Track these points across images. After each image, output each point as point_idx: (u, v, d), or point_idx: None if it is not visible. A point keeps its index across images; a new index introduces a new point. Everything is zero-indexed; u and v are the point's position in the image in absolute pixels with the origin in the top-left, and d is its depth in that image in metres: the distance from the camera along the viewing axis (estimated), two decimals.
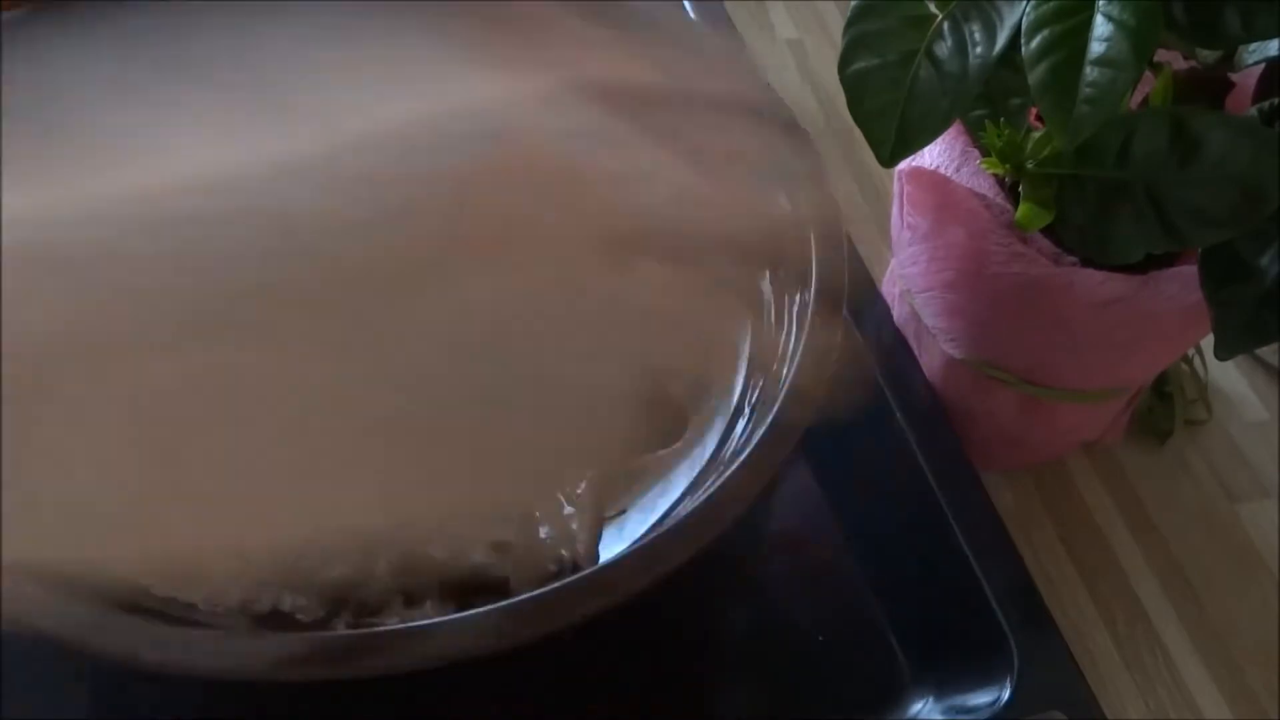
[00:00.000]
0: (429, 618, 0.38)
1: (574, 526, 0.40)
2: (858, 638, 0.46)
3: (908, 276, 0.52)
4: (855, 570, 0.48)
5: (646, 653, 0.45)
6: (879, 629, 0.46)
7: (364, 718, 0.44)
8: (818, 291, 0.39)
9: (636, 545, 0.36)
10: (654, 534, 0.36)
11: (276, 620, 0.39)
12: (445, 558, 0.38)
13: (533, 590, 0.37)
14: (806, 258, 0.40)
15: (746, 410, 0.39)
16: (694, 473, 0.39)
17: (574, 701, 0.43)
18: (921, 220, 0.49)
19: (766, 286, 0.43)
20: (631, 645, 0.45)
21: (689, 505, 0.37)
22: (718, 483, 0.36)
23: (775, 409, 0.36)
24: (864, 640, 0.46)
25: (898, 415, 0.50)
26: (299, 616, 0.38)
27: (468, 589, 0.39)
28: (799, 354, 0.38)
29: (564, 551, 0.39)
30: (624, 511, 0.39)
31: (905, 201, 0.49)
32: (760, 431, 0.36)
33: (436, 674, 0.34)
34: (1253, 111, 0.42)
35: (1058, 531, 0.56)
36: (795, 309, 0.40)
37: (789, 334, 0.40)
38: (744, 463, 0.36)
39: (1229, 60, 0.43)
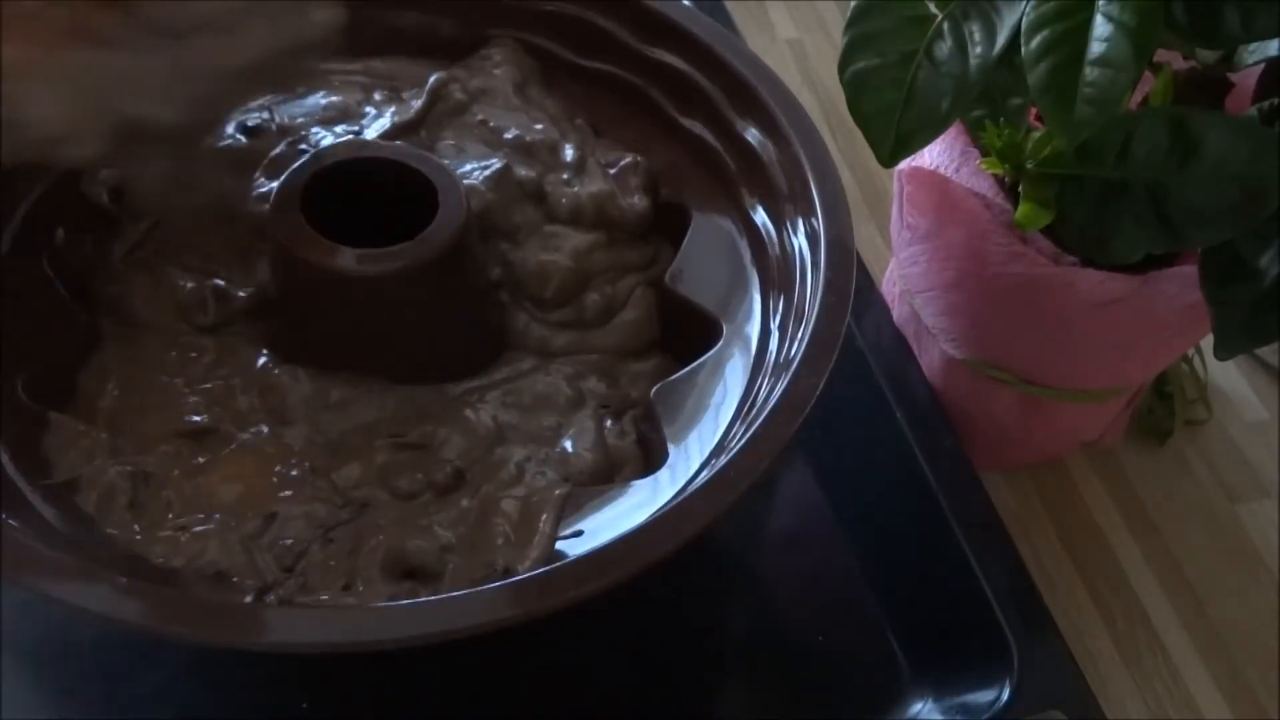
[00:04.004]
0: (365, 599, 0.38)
1: (525, 539, 0.40)
2: (858, 638, 0.46)
3: (908, 276, 0.52)
4: (855, 570, 0.48)
5: (646, 653, 0.45)
6: (879, 629, 0.46)
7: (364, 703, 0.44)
8: (810, 341, 0.39)
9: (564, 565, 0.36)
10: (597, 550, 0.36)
11: (219, 583, 0.38)
12: None
13: (464, 588, 0.38)
14: (810, 299, 0.40)
15: (724, 453, 0.39)
16: (658, 504, 0.39)
17: (574, 701, 0.43)
18: (921, 220, 0.49)
19: (774, 328, 0.43)
20: (631, 645, 0.45)
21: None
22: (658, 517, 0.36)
23: (735, 454, 0.37)
24: (864, 640, 0.46)
25: (898, 415, 0.50)
26: (235, 580, 0.38)
27: (403, 574, 0.39)
28: (778, 400, 0.38)
29: (502, 561, 0.39)
30: (581, 534, 0.39)
31: (905, 201, 0.49)
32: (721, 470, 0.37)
33: (410, 664, 0.34)
34: (1253, 111, 0.42)
35: (1058, 531, 0.56)
36: (790, 350, 0.41)
37: (777, 380, 0.40)
38: (679, 507, 0.36)
39: (1229, 60, 0.43)
